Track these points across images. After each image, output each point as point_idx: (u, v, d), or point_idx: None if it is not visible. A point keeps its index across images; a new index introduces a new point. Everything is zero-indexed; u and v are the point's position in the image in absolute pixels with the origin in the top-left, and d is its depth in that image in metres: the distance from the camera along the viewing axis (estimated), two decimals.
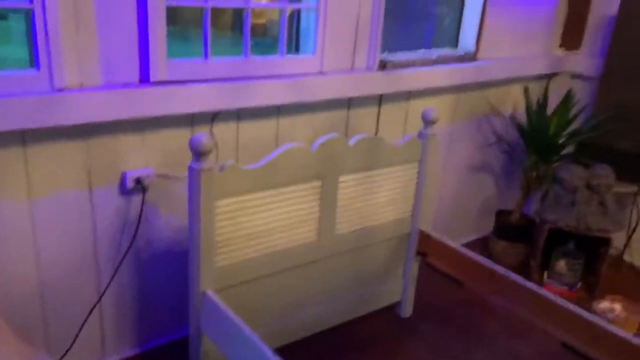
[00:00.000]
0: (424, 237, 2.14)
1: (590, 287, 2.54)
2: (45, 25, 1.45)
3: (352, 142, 1.83)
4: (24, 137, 1.52)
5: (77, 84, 1.56)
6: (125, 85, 1.64)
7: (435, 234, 2.11)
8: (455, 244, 2.05)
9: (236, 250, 1.68)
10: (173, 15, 1.84)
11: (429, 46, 2.57)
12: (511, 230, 2.74)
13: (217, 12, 1.93)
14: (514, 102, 2.84)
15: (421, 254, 2.17)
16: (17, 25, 1.58)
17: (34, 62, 1.51)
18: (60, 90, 1.52)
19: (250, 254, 1.72)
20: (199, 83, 1.74)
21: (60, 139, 1.58)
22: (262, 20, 2.18)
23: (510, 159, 2.94)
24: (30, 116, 1.46)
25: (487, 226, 3.02)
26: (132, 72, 1.65)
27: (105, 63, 1.59)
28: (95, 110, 1.56)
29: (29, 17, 1.46)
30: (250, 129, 1.95)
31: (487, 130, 2.80)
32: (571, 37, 2.92)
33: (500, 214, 2.83)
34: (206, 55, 1.77)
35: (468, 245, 2.88)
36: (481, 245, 2.92)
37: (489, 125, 2.79)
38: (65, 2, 1.47)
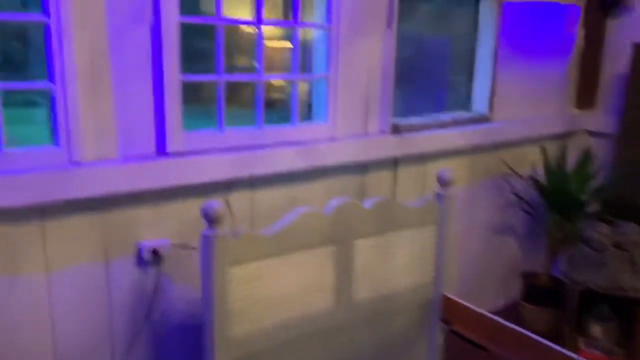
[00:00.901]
0: (448, 303, 2.07)
1: (629, 352, 2.40)
2: (65, 102, 1.52)
3: (366, 205, 1.82)
4: (43, 211, 1.55)
5: (94, 157, 1.61)
6: (142, 157, 1.68)
7: (459, 300, 2.04)
8: (481, 309, 1.98)
9: (252, 319, 1.64)
10: (196, 93, 1.92)
11: (441, 110, 2.60)
12: (540, 294, 2.64)
13: (238, 88, 2.00)
14: (531, 161, 2.82)
15: (445, 321, 2.09)
16: (42, 111, 1.67)
17: (54, 138, 1.57)
18: (78, 163, 1.56)
19: (266, 322, 1.67)
20: (214, 153, 1.77)
21: (78, 212, 1.61)
22: (282, 96, 2.25)
23: (533, 219, 2.88)
24: (49, 190, 1.50)
25: (514, 290, 2.92)
26: (149, 145, 1.70)
27: (122, 136, 1.64)
28: (113, 182, 1.59)
29: (50, 98, 1.53)
30: (265, 197, 1.96)
31: (506, 191, 2.77)
32: (585, 96, 2.94)
33: (527, 277, 2.74)
34: (220, 126, 1.82)
35: (495, 310, 2.77)
36: (509, 310, 2.81)
37: (507, 185, 2.76)
38: (84, 80, 1.55)
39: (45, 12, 1.46)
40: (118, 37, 1.58)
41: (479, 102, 2.62)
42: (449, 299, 2.06)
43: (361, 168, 2.19)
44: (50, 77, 1.51)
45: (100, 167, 1.57)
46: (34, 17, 1.51)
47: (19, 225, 1.53)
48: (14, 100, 1.67)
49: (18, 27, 1.67)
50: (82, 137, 1.56)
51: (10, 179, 1.45)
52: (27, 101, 1.81)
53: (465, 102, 2.66)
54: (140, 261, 1.75)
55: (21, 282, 1.56)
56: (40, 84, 1.54)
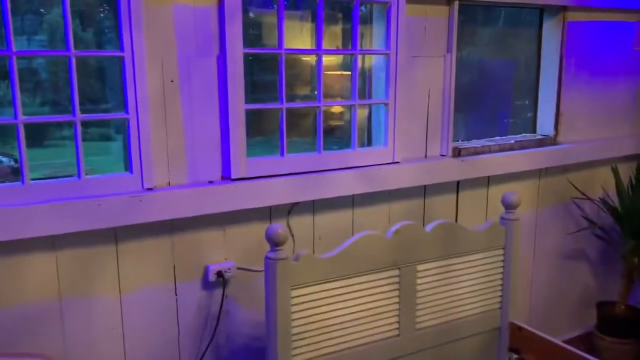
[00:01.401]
0: (516, 331, 1.99)
1: None
2: (138, 132, 1.61)
3: (428, 228, 1.79)
4: (117, 234, 1.64)
5: (165, 183, 1.69)
6: (209, 183, 1.74)
7: (529, 328, 1.95)
8: (553, 338, 1.89)
9: (313, 345, 1.64)
10: (258, 127, 1.99)
11: (505, 133, 2.55)
12: (617, 324, 2.48)
13: (297, 120, 2.06)
14: (602, 184, 2.70)
15: (514, 350, 2.01)
16: (116, 144, 1.79)
17: (128, 166, 1.66)
18: (150, 189, 1.64)
19: (327, 349, 1.67)
20: (276, 178, 1.82)
21: (148, 235, 1.69)
22: (340, 123, 2.28)
23: (607, 245, 2.74)
24: (123, 214, 1.58)
25: (589, 320, 2.76)
26: (215, 171, 1.77)
27: (191, 163, 1.72)
28: (182, 207, 1.66)
29: (125, 128, 1.63)
30: (325, 221, 1.98)
31: (576, 215, 2.65)
32: None
33: (603, 306, 2.59)
34: (282, 153, 1.87)
35: (568, 341, 2.62)
36: (583, 341, 2.66)
37: (577, 209, 2.65)
38: (156, 111, 1.64)
39: (121, 47, 1.57)
40: (187, 69, 1.67)
41: (544, 123, 2.55)
42: (517, 326, 1.98)
43: (422, 192, 2.17)
44: (125, 108, 1.61)
45: (170, 193, 1.65)
46: (111, 52, 1.62)
47: (95, 248, 1.62)
48: (90, 136, 1.80)
49: (96, 64, 1.80)
50: (153, 165, 1.65)
51: (88, 203, 1.54)
52: (102, 135, 1.93)
53: (529, 124, 2.59)
54: (206, 283, 1.80)
55: (96, 302, 1.64)
56: (117, 115, 1.65)
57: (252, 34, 2.02)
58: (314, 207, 1.95)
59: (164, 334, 1.76)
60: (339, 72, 2.21)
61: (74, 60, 1.52)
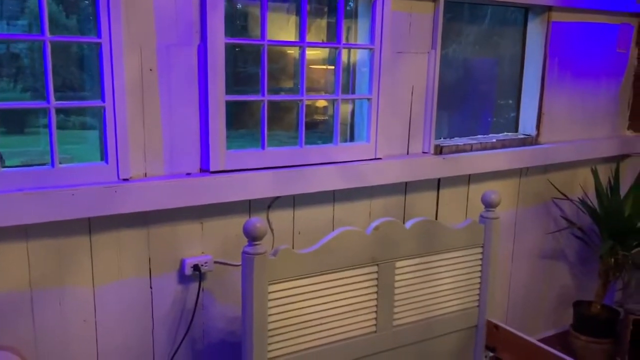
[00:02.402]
0: (493, 330, 1.99)
1: None
2: (115, 121, 1.57)
3: (408, 225, 1.79)
4: (91, 225, 1.60)
5: (141, 174, 1.65)
6: (187, 174, 1.71)
7: (506, 326, 1.96)
8: (529, 337, 1.89)
9: (289, 340, 1.62)
10: (239, 120, 1.96)
11: (487, 132, 2.56)
12: (592, 324, 2.51)
13: (280, 114, 2.03)
14: (582, 184, 2.72)
15: (490, 348, 2.01)
16: (92, 134, 1.75)
17: (104, 155, 1.62)
18: (125, 180, 1.61)
19: (304, 344, 1.65)
20: (256, 171, 1.79)
21: (123, 227, 1.65)
22: (324, 117, 2.27)
23: (585, 245, 2.76)
24: (98, 205, 1.55)
25: (565, 319, 2.79)
26: (193, 163, 1.74)
27: (168, 154, 1.69)
28: (158, 199, 1.63)
29: (101, 116, 1.59)
30: (306, 216, 1.96)
31: (556, 215, 2.67)
32: (639, 118, 2.83)
33: (579, 305, 2.62)
34: (263, 146, 1.84)
35: (544, 340, 2.65)
36: (559, 340, 2.68)
37: (557, 209, 2.67)
38: (132, 99, 1.60)
39: (99, 33, 1.53)
40: (166, 58, 1.63)
41: (526, 123, 2.56)
42: (494, 325, 1.98)
43: (403, 188, 2.16)
44: (102, 96, 1.57)
45: (146, 184, 1.61)
46: (87, 38, 1.58)
47: (68, 238, 1.58)
48: (67, 124, 1.75)
49: (77, 52, 1.75)
50: (129, 155, 1.61)
51: (62, 193, 1.50)
52: (82, 124, 1.89)
53: (511, 123, 2.60)
54: (183, 277, 1.77)
55: (69, 293, 1.60)
56: (93, 102, 1.61)
57: (239, 25, 1.99)
58: (295, 201, 1.93)
59: (138, 326, 1.73)
60: (323, 67, 2.19)
61: (49, 45, 1.48)
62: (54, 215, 1.50)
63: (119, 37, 1.53)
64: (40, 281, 1.56)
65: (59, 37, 1.51)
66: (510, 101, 2.62)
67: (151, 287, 1.73)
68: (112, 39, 1.53)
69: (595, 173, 2.59)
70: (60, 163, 1.54)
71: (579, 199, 2.68)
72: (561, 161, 2.57)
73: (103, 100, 1.56)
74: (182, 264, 1.76)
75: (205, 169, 1.75)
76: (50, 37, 1.48)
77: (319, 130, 2.20)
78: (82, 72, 1.79)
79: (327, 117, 2.22)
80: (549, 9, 2.43)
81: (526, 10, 2.49)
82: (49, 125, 1.52)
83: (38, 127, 1.81)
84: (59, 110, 1.57)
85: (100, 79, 1.56)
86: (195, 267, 1.77)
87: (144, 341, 1.74)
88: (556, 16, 2.46)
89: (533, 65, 2.51)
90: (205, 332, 1.85)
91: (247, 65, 2.03)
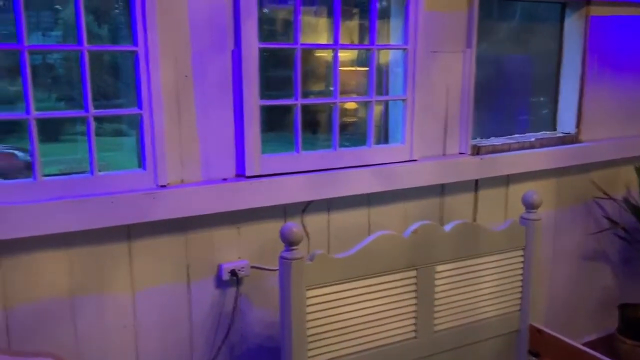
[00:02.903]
0: (536, 334, 1.94)
1: None
2: (152, 128, 1.58)
3: (447, 228, 1.75)
4: (129, 232, 1.62)
5: (178, 180, 1.66)
6: (223, 180, 1.71)
7: (549, 331, 1.90)
8: (573, 341, 1.83)
9: (328, 346, 1.61)
10: (271, 124, 1.96)
11: (524, 131, 2.49)
12: (638, 327, 2.42)
13: (311, 117, 2.02)
14: (625, 183, 2.63)
15: (534, 353, 1.96)
16: (132, 140, 1.77)
17: (141, 162, 1.63)
18: (163, 186, 1.62)
19: (343, 350, 1.63)
20: (291, 175, 1.78)
21: (161, 233, 1.66)
22: (354, 119, 2.25)
23: (629, 246, 2.67)
24: (136, 212, 1.56)
25: (609, 322, 2.70)
26: (229, 168, 1.74)
27: (205, 160, 1.69)
28: (195, 204, 1.63)
29: (138, 124, 1.60)
30: (340, 219, 1.94)
31: (598, 215, 2.59)
32: None
33: (625, 308, 2.53)
34: (297, 149, 1.83)
35: (588, 344, 2.56)
36: (604, 344, 2.59)
37: (599, 209, 2.58)
38: (170, 107, 1.61)
39: (135, 42, 1.54)
40: (201, 64, 1.64)
41: (565, 121, 2.48)
42: (537, 329, 1.93)
43: (439, 190, 2.12)
44: (139, 104, 1.58)
45: (184, 190, 1.62)
46: (124, 47, 1.60)
47: (108, 245, 1.60)
48: (99, 131, 1.78)
49: (110, 60, 1.78)
50: (167, 161, 1.62)
51: (102, 200, 1.52)
52: (115, 131, 1.92)
53: (548, 122, 2.53)
54: (220, 282, 1.77)
55: (109, 299, 1.62)
56: (130, 110, 1.63)
57: (267, 29, 1.98)
58: (329, 205, 1.92)
59: (177, 332, 1.74)
60: (352, 68, 2.16)
61: (86, 55, 1.50)
62: (94, 223, 1.52)
63: (154, 45, 1.54)
64: (80, 288, 1.58)
65: (96, 46, 1.53)
66: (547, 99, 2.55)
67: (189, 293, 1.73)
68: (148, 47, 1.54)
69: (638, 171, 2.50)
70: (99, 171, 1.56)
71: (622, 198, 2.58)
72: (602, 160, 2.49)
73: (140, 108, 1.58)
74: (220, 269, 1.76)
75: (240, 174, 1.74)
76: (88, 47, 1.50)
77: (348, 132, 2.18)
78: (115, 80, 1.81)
79: (356, 119, 2.20)
80: (587, 3, 2.35)
81: (563, 5, 2.42)
82: (87, 134, 1.54)
83: (73, 134, 1.84)
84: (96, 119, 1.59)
85: (137, 87, 1.57)
86: (232, 272, 1.77)
87: (182, 347, 1.75)
88: (595, 10, 2.38)
89: (571, 61, 2.43)
90: (243, 337, 1.84)
91: (276, 69, 2.02)
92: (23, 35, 1.42)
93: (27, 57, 1.43)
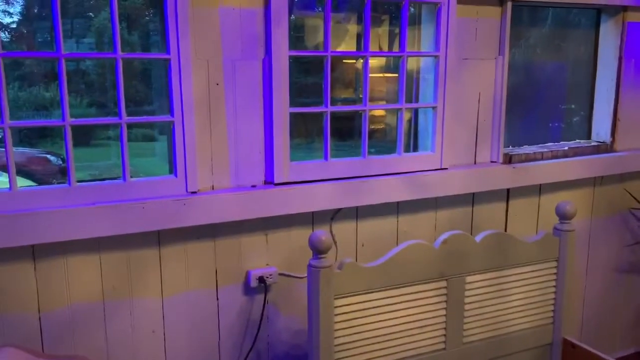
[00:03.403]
0: (569, 348, 1.89)
1: None
2: (183, 135, 1.60)
3: (478, 238, 1.72)
4: (160, 237, 1.63)
5: (208, 187, 1.67)
6: (252, 187, 1.72)
7: (583, 345, 1.85)
8: (609, 356, 1.78)
9: (356, 356, 1.59)
10: (299, 131, 1.96)
11: (557, 139, 2.44)
12: None
13: (337, 125, 2.02)
14: None
15: None
16: (161, 145, 1.79)
17: (172, 169, 1.65)
18: (193, 192, 1.63)
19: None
20: (319, 183, 1.78)
21: (191, 239, 1.67)
22: (381, 126, 2.23)
23: None
24: (168, 217, 1.57)
25: None
26: (258, 175, 1.74)
27: (234, 167, 1.70)
28: (225, 211, 1.64)
29: (170, 131, 1.62)
30: (369, 227, 1.93)
31: (633, 226, 2.51)
32: None
33: None
34: (326, 157, 1.82)
35: (622, 359, 2.49)
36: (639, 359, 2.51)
37: (635, 220, 2.51)
38: (201, 114, 1.63)
39: (167, 49, 1.56)
40: (232, 72, 1.65)
41: (600, 129, 2.42)
42: (571, 343, 1.88)
43: (470, 199, 2.09)
44: (171, 111, 1.60)
45: (214, 196, 1.63)
46: (157, 55, 1.62)
47: (138, 251, 1.61)
48: (134, 136, 1.81)
49: (140, 67, 1.80)
50: (197, 168, 1.63)
51: (134, 206, 1.54)
52: (145, 136, 1.95)
53: (582, 130, 2.47)
54: (248, 289, 1.78)
55: (139, 304, 1.64)
56: (162, 117, 1.65)
57: (294, 36, 1.99)
58: (358, 213, 1.90)
59: (205, 338, 1.74)
60: (381, 75, 2.15)
61: (120, 63, 1.52)
62: (125, 228, 1.54)
63: (187, 53, 1.56)
64: (111, 292, 1.60)
65: (130, 54, 1.56)
66: (581, 106, 2.49)
67: (217, 299, 1.74)
68: (181, 55, 1.56)
69: None
70: (131, 177, 1.58)
71: None
72: (638, 169, 2.42)
73: (172, 115, 1.59)
74: (248, 276, 1.76)
75: (269, 181, 1.75)
76: (122, 55, 1.52)
77: (375, 139, 2.17)
78: (146, 87, 1.84)
79: (383, 126, 2.18)
80: (624, 9, 2.30)
81: (598, 11, 2.37)
82: (120, 140, 1.56)
83: (103, 139, 1.87)
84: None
85: (169, 94, 1.59)
86: (260, 279, 1.77)
87: (210, 352, 1.76)
88: (632, 16, 2.32)
89: (607, 68, 2.38)
90: (271, 345, 1.84)
91: (304, 75, 2.02)
92: (60, 44, 1.45)
93: (63, 65, 1.46)
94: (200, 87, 1.62)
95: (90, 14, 1.76)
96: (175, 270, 1.67)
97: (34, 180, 1.95)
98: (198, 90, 1.61)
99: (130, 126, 1.58)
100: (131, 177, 1.58)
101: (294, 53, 1.72)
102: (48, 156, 2.02)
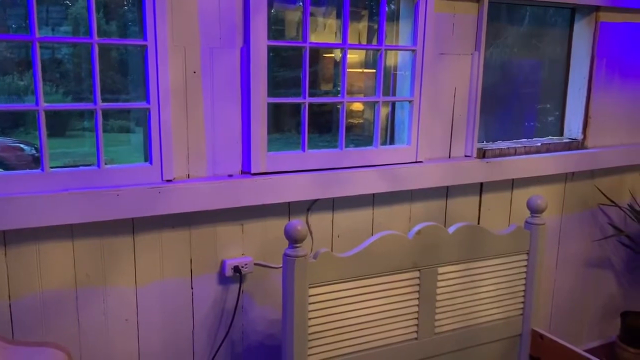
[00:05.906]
0: (538, 339, 1.93)
1: None
2: (159, 122, 1.59)
3: (451, 230, 1.75)
4: (134, 225, 1.62)
5: (184, 175, 1.66)
6: (228, 176, 1.72)
7: (551, 336, 1.90)
8: (576, 347, 1.83)
9: (329, 345, 1.61)
10: (276, 124, 1.96)
11: (531, 136, 2.49)
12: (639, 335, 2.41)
13: (316, 118, 2.02)
14: (630, 190, 2.62)
15: (535, 358, 1.95)
16: (137, 137, 1.78)
17: (148, 156, 1.64)
18: (169, 181, 1.62)
19: (344, 349, 1.63)
20: (296, 174, 1.78)
21: (166, 228, 1.67)
22: (359, 120, 2.25)
23: (634, 253, 2.66)
24: (142, 205, 1.56)
25: (611, 330, 2.69)
26: (235, 164, 1.74)
27: (211, 156, 1.69)
28: (201, 200, 1.64)
29: (146, 118, 1.61)
30: (345, 219, 1.95)
31: (602, 222, 2.58)
32: None
33: (627, 316, 2.52)
34: (303, 148, 1.83)
35: (589, 351, 2.56)
36: (605, 351, 2.59)
37: (604, 216, 2.57)
38: (178, 102, 1.62)
39: (144, 36, 1.55)
40: (209, 60, 1.64)
41: (572, 127, 2.48)
42: (539, 334, 1.92)
43: (444, 192, 2.12)
44: (147, 98, 1.59)
45: (189, 185, 1.62)
46: (134, 41, 1.61)
47: (112, 238, 1.60)
48: (110, 127, 1.79)
49: (118, 56, 1.79)
50: (173, 156, 1.63)
51: (107, 193, 1.52)
52: (121, 127, 1.93)
53: (556, 127, 2.53)
54: (223, 278, 1.78)
55: (112, 292, 1.63)
56: (138, 104, 1.63)
57: (275, 29, 1.99)
58: (334, 204, 1.92)
59: (179, 327, 1.74)
60: (360, 70, 2.17)
61: (96, 48, 1.50)
62: (99, 215, 1.53)
63: (164, 40, 1.55)
64: (85, 280, 1.59)
65: (106, 39, 1.54)
66: (554, 104, 2.54)
67: (192, 288, 1.74)
68: (158, 42, 1.55)
69: None
70: (105, 164, 1.57)
71: (627, 205, 2.58)
72: (608, 166, 2.48)
73: (148, 102, 1.58)
74: (223, 265, 1.77)
75: (246, 171, 1.75)
76: (98, 40, 1.50)
77: (354, 133, 2.19)
78: (122, 76, 1.82)
79: (362, 120, 2.20)
80: (596, 9, 2.35)
81: (572, 10, 2.42)
82: (95, 126, 1.55)
83: (79, 130, 1.85)
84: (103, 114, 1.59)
85: (146, 81, 1.58)
86: (236, 269, 1.77)
87: (184, 341, 1.75)
88: (604, 16, 2.38)
89: (579, 67, 2.43)
90: (245, 334, 1.85)
91: (284, 69, 2.02)
92: (34, 27, 1.43)
93: (37, 49, 1.44)
94: (177, 75, 1.61)
95: (67, 2, 1.73)
96: (150, 259, 1.66)
97: (6, 170, 1.92)
98: (175, 78, 1.60)
99: (106, 116, 1.57)
100: (106, 164, 1.57)
101: (273, 43, 1.73)
102: (22, 145, 1.99)
